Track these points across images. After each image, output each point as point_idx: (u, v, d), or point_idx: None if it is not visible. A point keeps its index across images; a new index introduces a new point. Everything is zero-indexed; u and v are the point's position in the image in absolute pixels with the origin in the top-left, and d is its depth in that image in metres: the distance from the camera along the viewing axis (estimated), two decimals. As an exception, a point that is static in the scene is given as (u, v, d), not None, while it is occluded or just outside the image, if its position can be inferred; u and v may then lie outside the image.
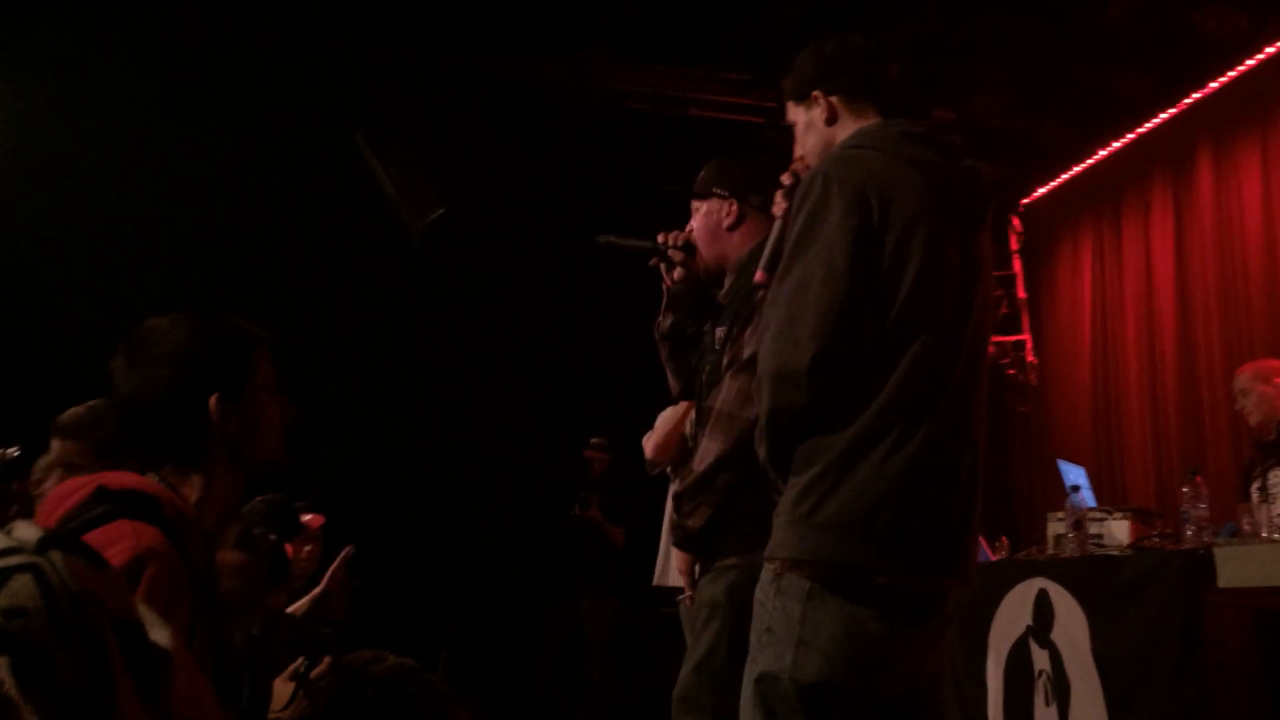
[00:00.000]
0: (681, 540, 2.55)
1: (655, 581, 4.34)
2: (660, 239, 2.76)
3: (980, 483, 2.09)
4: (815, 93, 2.25)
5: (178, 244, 5.80)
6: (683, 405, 3.42)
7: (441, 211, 6.02)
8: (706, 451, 2.46)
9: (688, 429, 3.46)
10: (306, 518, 3.94)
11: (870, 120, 2.15)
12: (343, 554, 3.90)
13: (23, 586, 0.65)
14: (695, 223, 2.72)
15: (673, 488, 3.78)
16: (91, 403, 2.26)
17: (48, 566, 0.67)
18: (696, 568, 2.61)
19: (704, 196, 2.71)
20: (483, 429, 5.94)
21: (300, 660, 2.48)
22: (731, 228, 2.67)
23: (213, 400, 1.66)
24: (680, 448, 3.59)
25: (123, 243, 5.76)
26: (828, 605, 1.85)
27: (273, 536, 3.29)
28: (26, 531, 0.69)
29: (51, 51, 5.46)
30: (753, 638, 1.96)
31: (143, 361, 1.65)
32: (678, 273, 2.73)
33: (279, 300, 5.47)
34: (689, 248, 2.73)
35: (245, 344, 1.74)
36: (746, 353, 2.45)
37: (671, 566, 3.86)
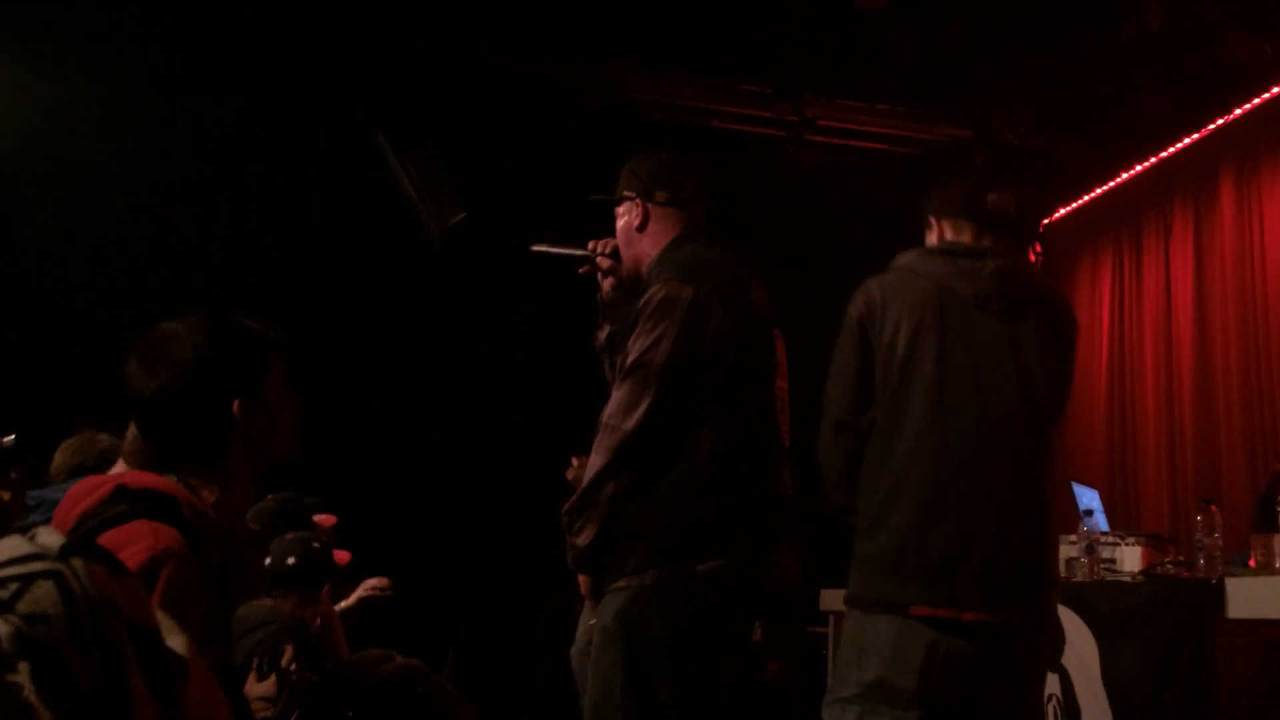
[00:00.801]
0: (574, 561, 2.44)
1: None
2: (590, 246, 2.71)
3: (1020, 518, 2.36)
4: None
5: (197, 242, 5.82)
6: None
7: (463, 215, 6.03)
8: (591, 465, 2.39)
9: None
10: (319, 518, 3.95)
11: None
12: (375, 587, 3.97)
13: (45, 594, 0.66)
14: (617, 231, 2.67)
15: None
16: None
17: (69, 573, 0.68)
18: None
19: (618, 201, 2.66)
20: (494, 430, 5.95)
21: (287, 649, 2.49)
22: (640, 228, 2.61)
23: (237, 403, 1.68)
24: None
25: (141, 241, 5.78)
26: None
27: (317, 544, 3.32)
28: (49, 538, 0.70)
29: (72, 49, 5.50)
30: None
31: (161, 364, 1.66)
32: (608, 281, 2.69)
33: (297, 299, 5.50)
34: (617, 254, 2.67)
35: (261, 345, 1.76)
36: (629, 360, 2.40)
37: None
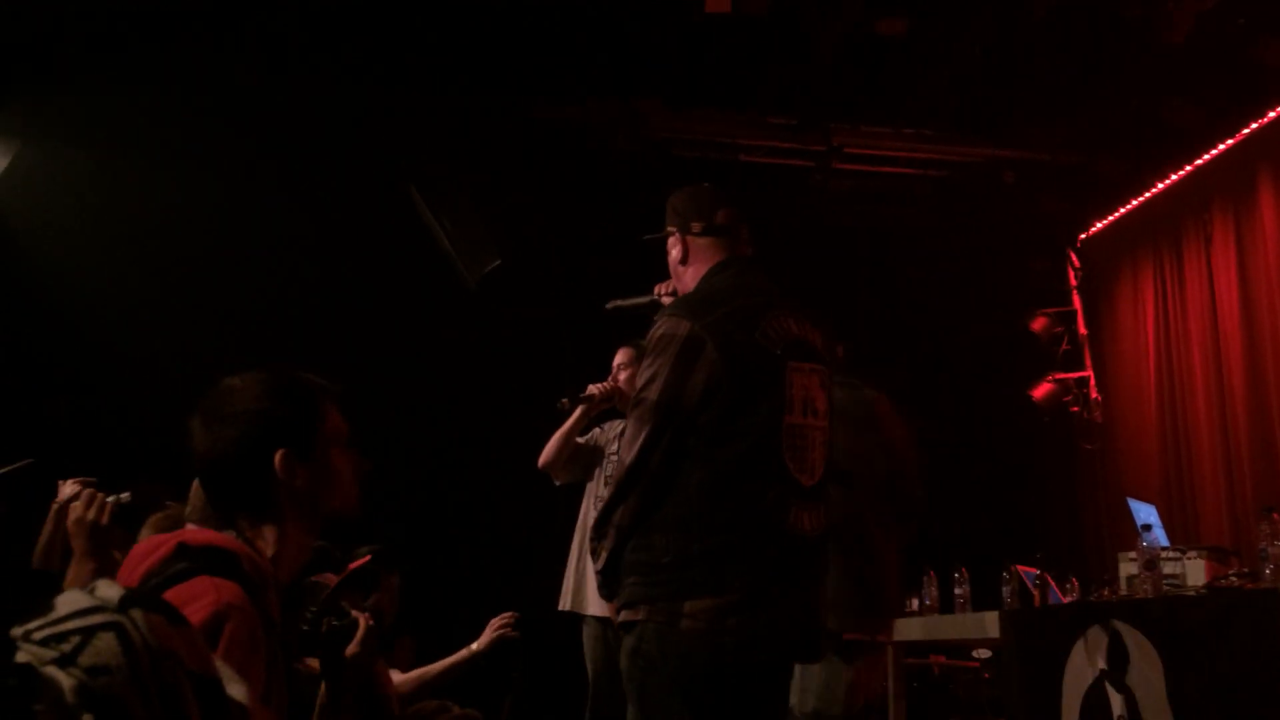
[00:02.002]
0: (599, 586, 2.53)
1: (563, 606, 4.35)
2: (656, 291, 2.80)
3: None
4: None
5: (237, 299, 5.92)
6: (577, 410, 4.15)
7: (497, 263, 6.09)
8: (608, 493, 2.47)
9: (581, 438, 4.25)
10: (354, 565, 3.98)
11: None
12: (504, 625, 4.06)
13: (106, 645, 0.67)
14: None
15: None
16: None
17: (129, 625, 0.68)
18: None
19: (663, 239, 2.71)
20: (540, 481, 5.96)
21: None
22: (683, 262, 2.65)
23: (278, 456, 1.68)
24: (565, 452, 4.22)
25: (184, 303, 5.88)
26: None
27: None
28: (108, 590, 0.71)
29: (111, 116, 5.63)
30: None
31: (214, 419, 1.69)
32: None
33: (336, 352, 5.56)
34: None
35: (312, 398, 1.76)
36: (635, 393, 2.44)
37: (589, 594, 4.16)
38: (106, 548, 2.31)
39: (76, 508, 2.30)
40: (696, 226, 2.63)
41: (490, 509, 6.29)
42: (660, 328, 2.44)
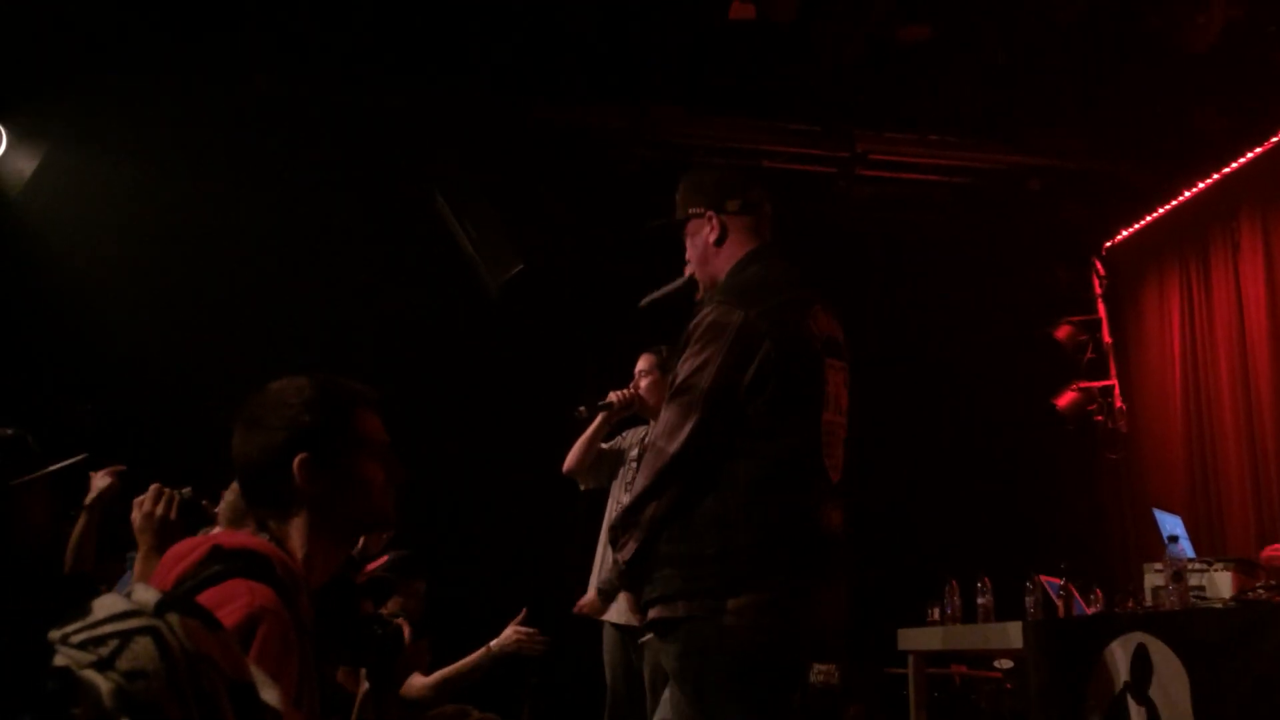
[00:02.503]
0: (617, 576, 2.48)
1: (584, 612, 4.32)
2: (687, 273, 2.68)
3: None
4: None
5: (260, 303, 5.96)
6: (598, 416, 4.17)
7: (520, 268, 6.10)
8: (637, 484, 2.40)
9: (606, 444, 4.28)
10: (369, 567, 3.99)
11: None
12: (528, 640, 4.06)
13: (143, 649, 0.68)
14: (688, 252, 2.63)
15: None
16: None
17: (165, 629, 0.69)
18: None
19: (685, 221, 2.61)
20: (563, 485, 5.97)
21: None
22: (719, 242, 2.55)
23: (296, 461, 1.67)
24: (589, 458, 4.24)
25: (207, 302, 5.93)
26: None
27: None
28: (145, 595, 0.71)
29: (139, 115, 5.67)
30: None
31: (249, 422, 1.70)
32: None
33: (360, 356, 5.59)
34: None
35: (343, 405, 1.75)
36: (677, 382, 2.38)
37: (620, 604, 4.01)
38: (173, 544, 2.33)
39: (145, 503, 2.31)
40: (733, 204, 2.56)
41: (512, 513, 6.30)
42: (710, 315, 2.38)
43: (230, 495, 2.46)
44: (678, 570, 2.30)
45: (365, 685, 2.46)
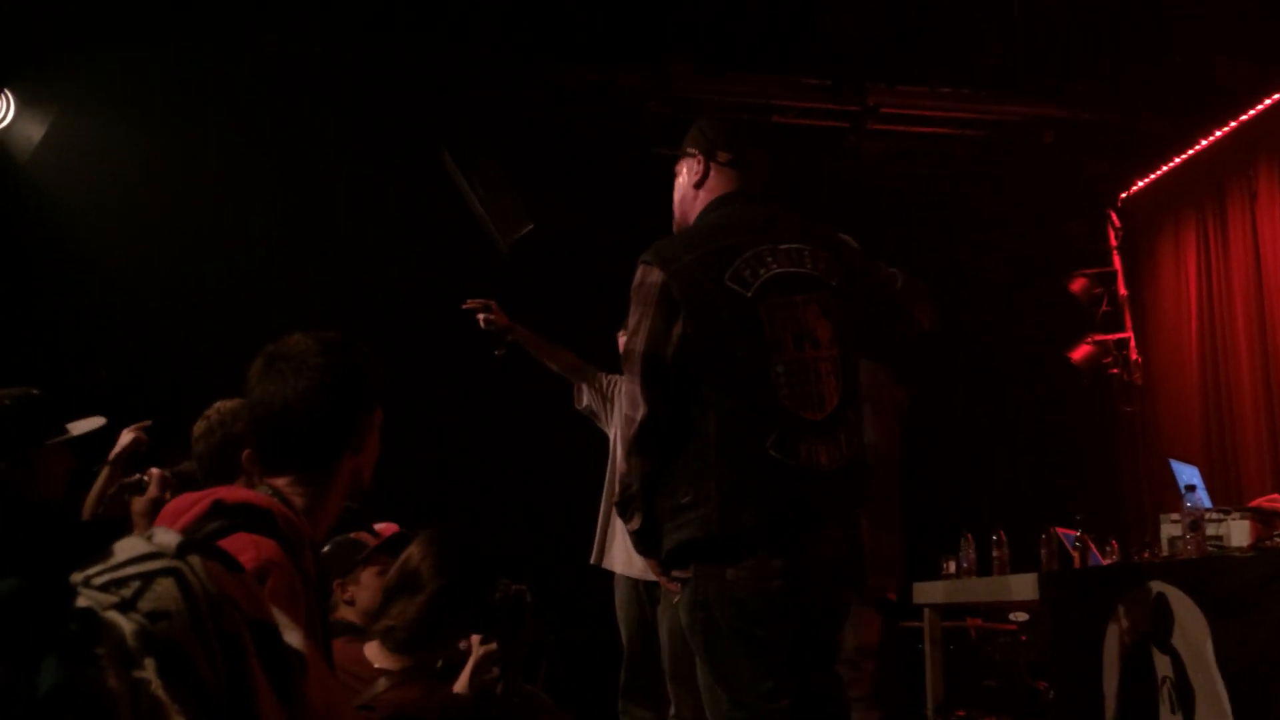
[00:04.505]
0: (635, 546, 2.55)
1: (594, 561, 4.38)
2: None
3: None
4: None
5: (267, 266, 5.95)
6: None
7: (530, 227, 6.08)
8: (623, 456, 2.50)
9: None
10: (380, 526, 3.98)
11: None
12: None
13: (165, 590, 0.67)
14: (674, 190, 2.69)
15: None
16: None
17: (187, 570, 0.68)
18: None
19: (679, 158, 2.66)
20: (574, 441, 5.99)
21: None
22: (698, 185, 2.61)
23: (367, 419, 1.75)
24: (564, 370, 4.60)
25: (215, 266, 5.92)
26: None
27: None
28: (166, 537, 0.71)
29: (146, 80, 5.65)
30: None
31: (296, 372, 1.70)
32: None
33: (368, 317, 5.58)
34: None
35: (379, 369, 1.82)
36: (623, 349, 2.48)
37: (615, 553, 4.24)
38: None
39: (151, 488, 2.33)
40: (724, 156, 2.59)
41: (521, 472, 6.32)
42: (638, 275, 2.44)
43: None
44: (669, 522, 2.37)
45: (483, 647, 2.49)
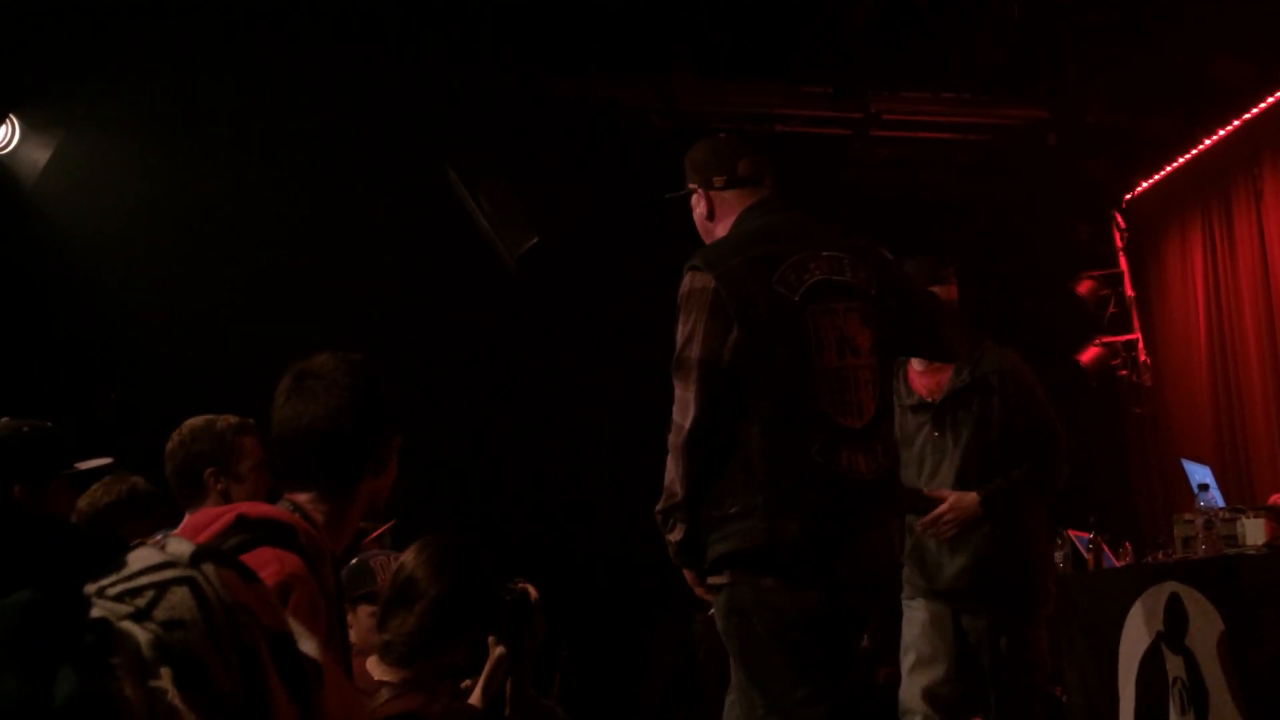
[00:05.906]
0: (673, 557, 2.50)
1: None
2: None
3: None
4: None
5: (277, 284, 5.97)
6: None
7: (535, 240, 6.09)
8: (667, 464, 2.45)
9: None
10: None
11: None
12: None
13: (180, 599, 0.67)
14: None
15: None
16: None
17: (202, 579, 0.68)
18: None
19: (686, 196, 2.66)
20: (585, 454, 6.00)
21: None
22: (710, 217, 2.60)
23: (390, 443, 1.78)
24: None
25: (223, 285, 5.94)
26: None
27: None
28: (179, 546, 0.71)
29: (152, 101, 5.67)
30: None
31: (324, 391, 1.71)
32: None
33: (374, 333, 5.59)
34: None
35: (394, 398, 1.85)
36: (675, 353, 2.41)
37: None
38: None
39: None
40: (719, 180, 2.59)
41: (534, 484, 6.32)
42: (685, 283, 2.42)
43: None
44: (714, 532, 2.35)
45: (498, 651, 2.47)
